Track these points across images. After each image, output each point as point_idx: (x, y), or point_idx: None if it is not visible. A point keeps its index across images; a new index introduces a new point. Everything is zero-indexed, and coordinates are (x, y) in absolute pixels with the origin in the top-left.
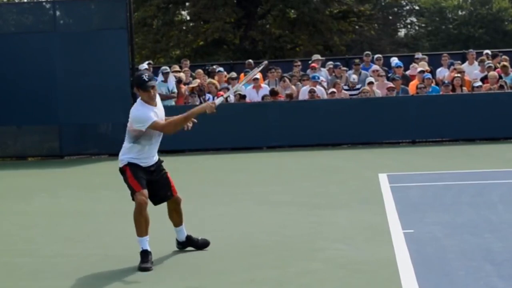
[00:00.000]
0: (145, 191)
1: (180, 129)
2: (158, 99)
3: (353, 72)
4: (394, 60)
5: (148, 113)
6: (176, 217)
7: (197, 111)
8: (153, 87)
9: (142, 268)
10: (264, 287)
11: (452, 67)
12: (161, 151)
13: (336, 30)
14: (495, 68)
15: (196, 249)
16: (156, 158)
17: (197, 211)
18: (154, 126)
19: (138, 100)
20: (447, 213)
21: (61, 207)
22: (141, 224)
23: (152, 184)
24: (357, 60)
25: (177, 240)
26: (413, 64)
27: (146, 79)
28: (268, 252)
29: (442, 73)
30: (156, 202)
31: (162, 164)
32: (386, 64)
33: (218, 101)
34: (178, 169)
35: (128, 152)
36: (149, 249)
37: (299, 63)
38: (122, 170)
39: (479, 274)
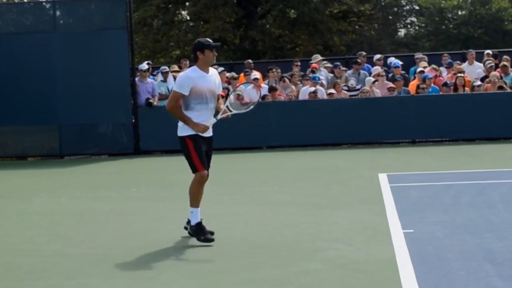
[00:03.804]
0: (206, 172)
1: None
2: (214, 70)
3: (352, 73)
4: (393, 61)
5: (187, 80)
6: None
7: (192, 126)
8: (216, 47)
9: (208, 239)
10: (264, 287)
11: (451, 67)
12: (161, 151)
13: (336, 30)
14: (496, 67)
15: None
16: (211, 131)
17: None
18: (174, 95)
19: (193, 67)
20: (447, 213)
21: (61, 207)
22: (199, 195)
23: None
24: (358, 60)
25: (188, 220)
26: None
27: (210, 41)
28: (268, 252)
29: (442, 73)
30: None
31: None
32: (385, 64)
33: (211, 122)
34: (178, 168)
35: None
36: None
37: (299, 62)
38: (182, 140)
39: (479, 274)
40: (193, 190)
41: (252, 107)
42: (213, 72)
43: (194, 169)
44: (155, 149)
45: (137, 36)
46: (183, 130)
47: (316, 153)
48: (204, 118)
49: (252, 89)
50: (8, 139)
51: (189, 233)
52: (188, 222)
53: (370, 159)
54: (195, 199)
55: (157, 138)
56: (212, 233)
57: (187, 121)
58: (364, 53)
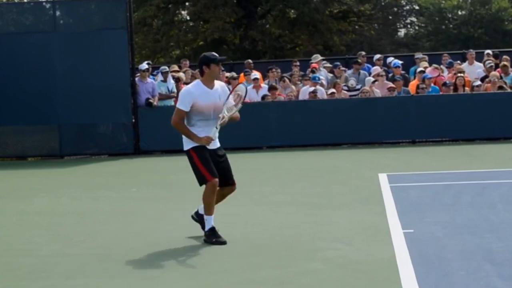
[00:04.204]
0: (216, 180)
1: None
2: (220, 83)
3: (352, 73)
4: (393, 60)
5: (188, 96)
6: (218, 200)
7: (196, 140)
8: (221, 61)
9: (220, 242)
10: (264, 287)
11: (452, 67)
12: (161, 151)
13: (336, 30)
14: (496, 67)
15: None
16: (219, 144)
17: None
18: (177, 111)
19: (197, 80)
20: (447, 213)
21: (61, 207)
22: (212, 204)
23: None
24: (359, 60)
25: (197, 210)
26: (433, 65)
27: (216, 55)
28: (268, 252)
29: (444, 71)
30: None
31: (224, 153)
32: (384, 64)
33: (213, 133)
34: (178, 168)
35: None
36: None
37: (297, 63)
38: (187, 153)
39: (479, 274)
40: (207, 200)
41: (240, 105)
42: (218, 85)
43: (203, 180)
44: (155, 149)
45: (137, 36)
46: (186, 144)
47: (316, 153)
48: (207, 134)
49: (252, 89)
50: (8, 139)
51: (194, 218)
52: (197, 212)
53: (370, 159)
54: (208, 207)
55: (157, 138)
56: (224, 243)
57: (191, 136)
58: (363, 53)
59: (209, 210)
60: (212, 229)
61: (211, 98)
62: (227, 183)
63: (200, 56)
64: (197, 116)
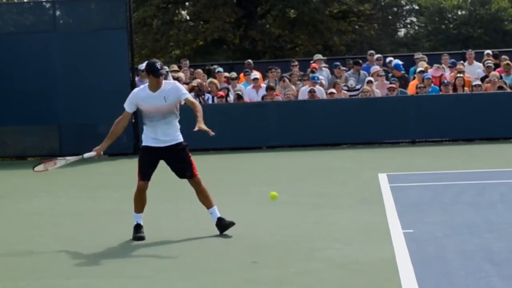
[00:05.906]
0: (143, 183)
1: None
2: (165, 87)
3: (352, 73)
4: (393, 61)
5: (133, 98)
6: (202, 200)
7: (102, 145)
8: (162, 75)
9: (137, 238)
10: (264, 287)
11: (454, 67)
12: None
13: (336, 30)
14: (496, 67)
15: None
16: (174, 141)
17: (196, 211)
18: (123, 114)
19: (145, 84)
20: (447, 213)
21: (61, 207)
22: (137, 203)
23: (169, 162)
24: (360, 61)
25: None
26: (436, 65)
27: (159, 67)
28: (268, 252)
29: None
30: (178, 176)
31: (183, 148)
32: (384, 64)
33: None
34: None
35: (144, 134)
36: (141, 223)
37: (296, 63)
38: None
39: (479, 274)
40: (134, 198)
41: (65, 161)
42: (165, 87)
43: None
44: None
45: (137, 36)
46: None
47: (316, 153)
48: (155, 135)
49: (252, 89)
50: (8, 139)
51: (219, 226)
52: (217, 220)
53: (370, 159)
54: (135, 205)
55: None
56: (141, 239)
57: (105, 140)
58: (373, 52)
59: (135, 207)
60: (136, 225)
61: (153, 102)
62: (184, 175)
63: (147, 62)
64: (145, 115)
